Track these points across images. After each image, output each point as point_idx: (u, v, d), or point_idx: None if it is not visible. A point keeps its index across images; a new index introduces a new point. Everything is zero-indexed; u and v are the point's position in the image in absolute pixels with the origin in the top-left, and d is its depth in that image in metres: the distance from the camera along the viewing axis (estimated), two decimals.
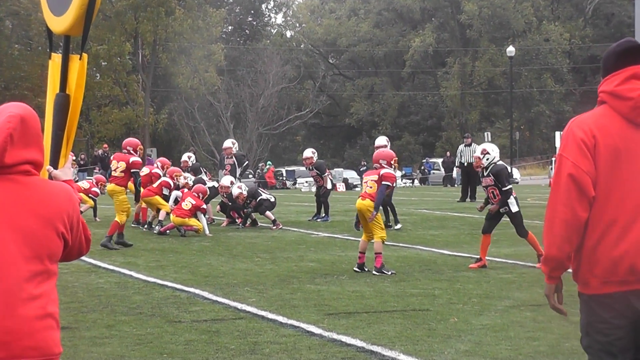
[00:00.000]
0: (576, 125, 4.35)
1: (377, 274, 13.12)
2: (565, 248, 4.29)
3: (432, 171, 64.81)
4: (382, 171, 13.64)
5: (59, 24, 4.46)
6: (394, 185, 14.18)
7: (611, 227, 4.26)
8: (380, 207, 14.57)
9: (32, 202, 3.68)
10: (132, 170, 17.40)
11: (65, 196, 3.80)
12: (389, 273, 13.17)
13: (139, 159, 17.61)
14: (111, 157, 20.85)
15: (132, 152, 17.60)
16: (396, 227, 21.18)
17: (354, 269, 13.48)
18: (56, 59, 4.50)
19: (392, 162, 13.96)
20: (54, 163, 4.38)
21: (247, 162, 23.72)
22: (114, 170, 17.71)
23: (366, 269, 13.42)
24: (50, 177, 4.18)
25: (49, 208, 3.71)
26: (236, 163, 23.21)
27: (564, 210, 4.26)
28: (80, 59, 4.46)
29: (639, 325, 4.28)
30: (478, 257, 14.09)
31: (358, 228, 14.23)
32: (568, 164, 4.27)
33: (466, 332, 8.92)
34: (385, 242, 13.74)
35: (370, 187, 13.55)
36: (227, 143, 24.19)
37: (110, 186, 17.64)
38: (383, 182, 13.52)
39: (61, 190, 3.82)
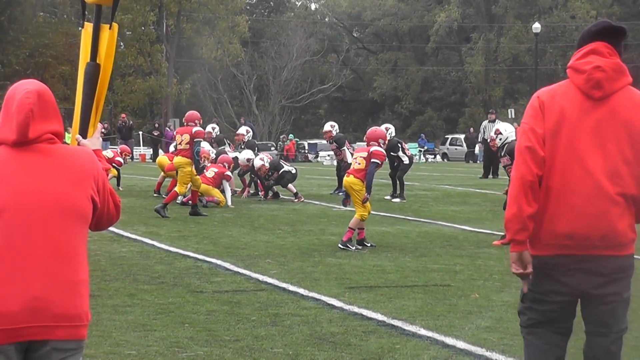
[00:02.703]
0: (535, 94, 4.64)
1: (342, 247, 13.06)
2: (524, 206, 4.46)
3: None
4: (372, 148, 13.45)
5: None
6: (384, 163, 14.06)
7: (550, 192, 4.49)
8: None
9: (59, 166, 3.73)
10: (195, 140, 17.72)
11: (88, 159, 3.85)
12: (354, 249, 13.06)
13: (202, 129, 18.17)
14: (174, 132, 21.80)
15: (195, 124, 18.15)
16: (393, 200, 21.37)
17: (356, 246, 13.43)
18: (88, 28, 4.51)
19: (384, 142, 13.89)
20: (83, 132, 4.40)
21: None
22: (179, 143, 18.11)
23: (368, 244, 13.39)
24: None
25: (75, 170, 3.76)
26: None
27: (519, 168, 4.50)
28: (110, 28, 4.47)
29: (582, 299, 4.58)
30: (502, 234, 14.05)
31: (345, 205, 14.18)
32: (526, 127, 4.54)
33: (487, 308, 8.91)
34: (408, 217, 13.72)
35: (359, 164, 13.40)
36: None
37: (176, 159, 18.09)
38: (372, 160, 13.36)
39: (84, 154, 3.88)
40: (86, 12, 4.71)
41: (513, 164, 4.62)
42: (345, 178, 13.51)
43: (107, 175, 4.08)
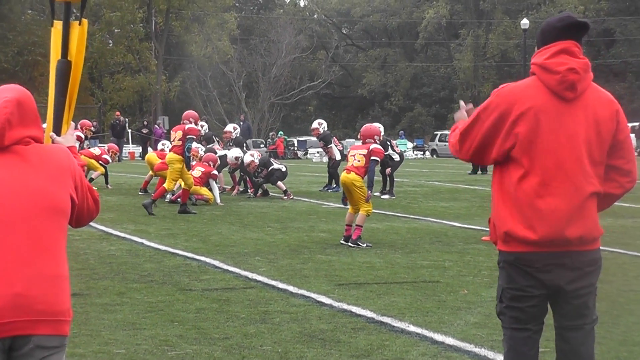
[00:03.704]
0: (503, 92, 4.59)
1: (352, 245, 13.04)
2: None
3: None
4: (372, 146, 13.49)
5: None
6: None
7: (527, 195, 4.47)
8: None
9: (36, 164, 3.76)
10: (187, 136, 17.79)
11: (64, 155, 3.89)
12: (364, 245, 13.05)
13: (196, 127, 18.25)
14: (163, 130, 21.92)
15: (190, 121, 18.30)
16: (382, 197, 21.41)
17: (340, 241, 13.39)
18: (58, 26, 4.50)
19: (379, 139, 13.95)
20: (57, 130, 4.41)
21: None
22: (173, 140, 18.32)
23: (347, 242, 13.34)
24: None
25: (52, 167, 3.79)
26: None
27: (460, 142, 4.73)
28: (79, 24, 4.46)
29: (555, 295, 4.56)
30: None
31: (345, 203, 14.16)
32: (482, 124, 4.60)
33: (476, 304, 8.93)
34: (397, 214, 13.74)
35: (358, 161, 13.38)
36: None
37: (168, 155, 18.33)
38: (372, 158, 13.39)
39: (59, 151, 3.91)
40: (55, 10, 4.71)
41: (458, 131, 4.76)
42: (345, 175, 13.43)
43: (84, 170, 4.10)
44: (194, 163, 20.23)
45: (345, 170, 13.50)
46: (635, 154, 4.71)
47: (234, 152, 21.85)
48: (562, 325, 4.63)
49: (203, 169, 19.92)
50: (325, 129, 23.85)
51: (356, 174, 13.28)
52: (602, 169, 4.57)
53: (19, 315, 3.58)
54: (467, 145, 4.69)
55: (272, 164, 21.71)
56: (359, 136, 14.17)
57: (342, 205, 14.95)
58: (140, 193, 21.94)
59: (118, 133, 46.38)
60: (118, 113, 50.59)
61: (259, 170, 21.57)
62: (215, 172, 20.34)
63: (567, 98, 4.48)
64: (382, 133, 22.11)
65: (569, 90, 4.48)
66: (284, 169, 21.82)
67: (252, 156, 21.43)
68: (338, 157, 23.75)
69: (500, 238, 4.59)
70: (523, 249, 4.51)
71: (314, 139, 31.12)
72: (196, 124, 18.47)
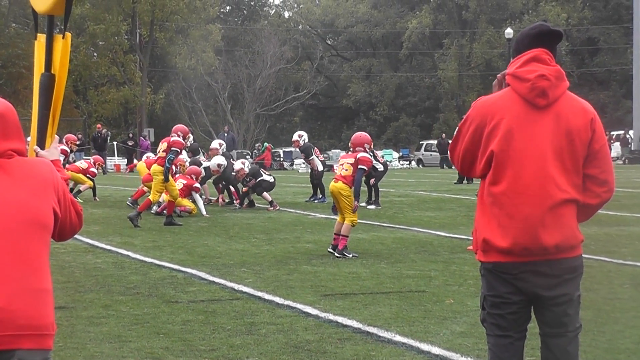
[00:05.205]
0: (478, 105, 4.66)
1: (339, 256, 13.05)
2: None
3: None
4: (359, 155, 13.50)
5: (41, 3, 4.45)
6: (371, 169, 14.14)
7: (503, 204, 4.52)
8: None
9: (19, 177, 3.73)
10: (171, 149, 17.80)
11: (47, 169, 3.86)
12: (350, 256, 13.06)
13: (181, 141, 18.22)
14: (149, 142, 21.98)
15: (178, 135, 18.33)
16: (368, 207, 21.42)
17: (328, 250, 13.40)
18: (41, 39, 4.49)
19: (369, 147, 14.00)
20: (41, 143, 4.39)
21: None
22: (158, 151, 18.39)
23: (333, 251, 13.33)
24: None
25: (35, 180, 3.76)
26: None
27: (460, 155, 4.74)
28: (63, 38, 4.45)
29: (535, 302, 4.60)
30: None
31: (336, 212, 14.18)
32: (463, 138, 4.67)
33: (462, 313, 8.94)
34: (383, 224, 13.75)
35: (346, 170, 13.39)
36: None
37: (153, 166, 18.34)
38: (359, 167, 13.38)
39: (43, 164, 3.88)
40: (38, 23, 4.70)
41: (456, 140, 4.79)
42: (332, 184, 13.46)
43: (68, 184, 4.09)
44: (177, 175, 20.23)
45: (333, 179, 13.53)
46: (620, 162, 4.74)
47: (216, 160, 21.85)
48: (545, 332, 4.67)
49: (185, 182, 19.89)
50: (306, 140, 23.90)
51: (343, 182, 13.29)
52: (578, 178, 4.58)
53: (1, 330, 3.57)
54: (456, 159, 4.80)
55: (262, 175, 21.73)
56: (349, 145, 14.21)
57: (328, 216, 14.94)
58: (128, 204, 21.78)
59: (99, 145, 46.34)
60: (99, 125, 50.51)
61: (247, 179, 21.58)
62: (197, 185, 20.31)
63: (539, 105, 4.52)
64: None
65: (540, 97, 4.52)
66: (272, 180, 21.84)
67: (242, 164, 21.50)
68: (320, 167, 23.81)
69: (480, 247, 4.62)
70: (501, 259, 4.54)
71: None
72: (185, 139, 18.44)
